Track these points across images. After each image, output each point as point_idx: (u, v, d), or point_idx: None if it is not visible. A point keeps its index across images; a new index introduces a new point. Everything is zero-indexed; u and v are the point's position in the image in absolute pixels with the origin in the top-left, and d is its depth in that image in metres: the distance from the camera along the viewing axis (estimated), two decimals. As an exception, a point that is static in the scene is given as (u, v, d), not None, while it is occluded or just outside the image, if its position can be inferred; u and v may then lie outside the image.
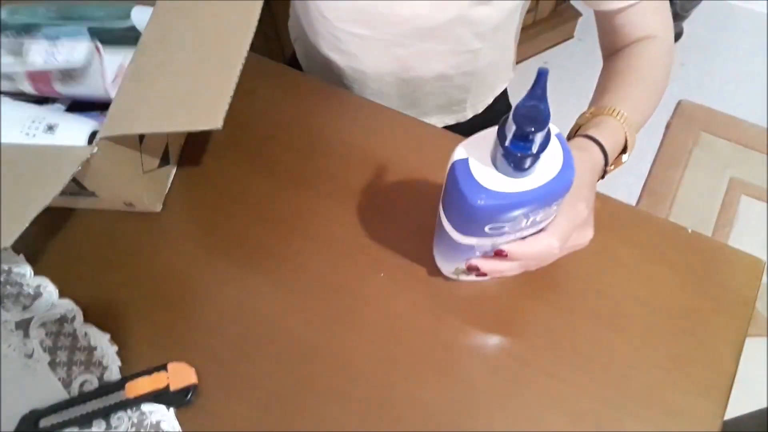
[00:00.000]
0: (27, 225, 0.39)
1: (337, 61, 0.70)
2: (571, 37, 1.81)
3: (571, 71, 1.71)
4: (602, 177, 0.49)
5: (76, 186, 0.50)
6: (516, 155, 0.32)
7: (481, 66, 0.70)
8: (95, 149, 0.44)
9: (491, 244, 0.41)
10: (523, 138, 0.31)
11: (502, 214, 0.36)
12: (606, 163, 0.48)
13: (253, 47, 0.63)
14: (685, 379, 0.46)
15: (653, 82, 0.56)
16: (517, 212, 0.36)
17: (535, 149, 0.32)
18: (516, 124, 0.31)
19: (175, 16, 0.52)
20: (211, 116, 0.42)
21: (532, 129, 0.30)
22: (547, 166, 0.35)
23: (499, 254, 0.42)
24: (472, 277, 0.49)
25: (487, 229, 0.38)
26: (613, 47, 0.59)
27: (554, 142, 0.35)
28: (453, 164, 0.36)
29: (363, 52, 0.67)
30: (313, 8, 0.64)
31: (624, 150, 0.51)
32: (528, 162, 0.33)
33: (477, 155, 0.35)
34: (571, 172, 0.35)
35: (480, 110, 0.79)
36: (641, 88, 0.54)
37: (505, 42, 0.72)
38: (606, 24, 0.59)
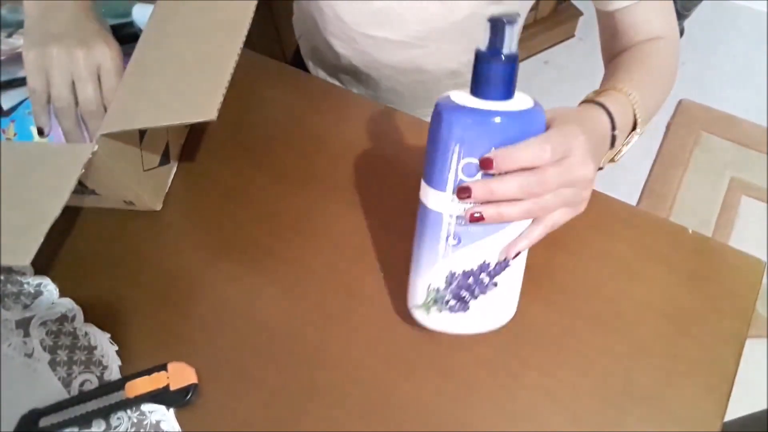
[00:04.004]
0: (41, 240, 0.40)
1: (350, 60, 0.70)
2: (572, 36, 1.81)
3: (572, 70, 1.71)
4: (612, 144, 0.46)
5: (77, 185, 0.50)
6: (488, 60, 0.37)
7: None
8: (95, 147, 0.44)
9: (463, 210, 0.39)
10: (494, 37, 0.36)
11: (473, 132, 0.37)
12: (613, 127, 0.45)
13: (254, 47, 0.63)
14: (685, 379, 0.46)
15: (659, 76, 0.55)
16: (487, 141, 0.37)
17: (505, 50, 0.36)
18: (490, 22, 0.36)
19: (174, 14, 0.52)
20: (206, 109, 0.42)
21: (504, 20, 0.36)
22: (518, 105, 0.38)
23: (486, 166, 0.37)
24: (447, 315, 0.44)
25: (460, 168, 0.37)
26: (616, 51, 0.59)
27: (526, 97, 0.39)
28: (437, 101, 0.39)
29: (378, 53, 0.67)
30: (329, 11, 0.65)
31: (634, 126, 0.49)
32: (498, 74, 0.37)
33: (460, 93, 0.39)
34: (541, 114, 0.38)
35: None
36: (646, 75, 0.53)
37: None
38: (609, 26, 0.59)
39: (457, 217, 0.39)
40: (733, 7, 1.90)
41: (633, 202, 1.50)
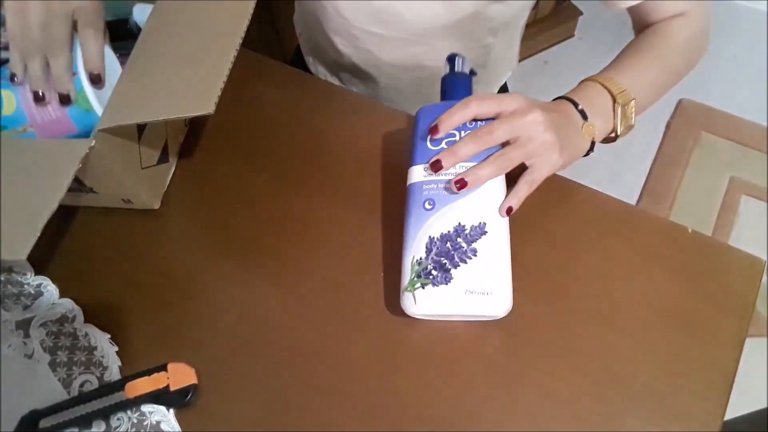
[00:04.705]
0: (38, 235, 0.40)
1: (351, 57, 0.70)
2: (572, 35, 1.81)
3: (572, 70, 1.71)
4: (584, 117, 0.49)
5: (75, 182, 0.50)
6: (448, 77, 0.53)
7: (492, 59, 0.71)
8: (93, 142, 0.45)
9: (437, 178, 0.47)
10: (452, 65, 0.53)
11: (434, 113, 0.48)
12: (574, 104, 0.49)
13: (254, 47, 0.63)
14: (685, 379, 0.46)
15: (660, 53, 0.56)
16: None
17: (458, 70, 0.52)
18: (448, 59, 0.53)
19: (173, 13, 0.52)
20: (203, 102, 0.43)
21: (457, 55, 0.53)
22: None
23: (433, 131, 0.47)
24: (431, 291, 0.45)
25: (428, 141, 0.48)
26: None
27: None
28: None
29: (379, 50, 0.67)
30: (330, 8, 0.65)
31: (615, 101, 0.51)
32: (455, 83, 0.52)
33: None
34: None
35: None
36: (638, 54, 0.55)
37: (514, 35, 0.73)
38: (634, 16, 0.60)
39: (431, 181, 0.47)
40: (733, 7, 1.90)
41: (633, 201, 1.50)
